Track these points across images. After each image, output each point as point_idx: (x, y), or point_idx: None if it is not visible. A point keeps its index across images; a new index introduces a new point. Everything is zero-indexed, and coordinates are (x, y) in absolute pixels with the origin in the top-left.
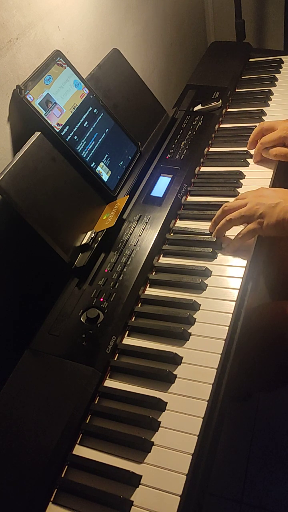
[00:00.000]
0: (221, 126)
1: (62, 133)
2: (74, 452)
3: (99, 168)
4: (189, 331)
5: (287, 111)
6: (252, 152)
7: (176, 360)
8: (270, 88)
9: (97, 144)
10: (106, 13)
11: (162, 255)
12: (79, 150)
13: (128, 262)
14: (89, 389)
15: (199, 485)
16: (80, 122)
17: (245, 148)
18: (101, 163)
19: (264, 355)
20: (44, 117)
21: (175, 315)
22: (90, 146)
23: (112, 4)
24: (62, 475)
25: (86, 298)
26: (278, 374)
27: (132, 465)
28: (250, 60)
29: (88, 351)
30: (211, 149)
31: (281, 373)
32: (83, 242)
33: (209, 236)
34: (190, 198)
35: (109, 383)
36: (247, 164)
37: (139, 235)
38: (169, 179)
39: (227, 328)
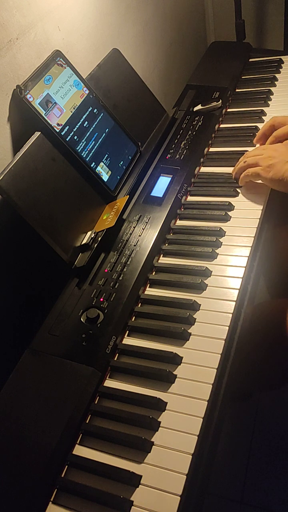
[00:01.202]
0: (221, 126)
1: (62, 133)
2: (74, 452)
3: (99, 168)
4: (189, 331)
5: (287, 111)
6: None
7: (176, 360)
8: (270, 88)
9: (97, 144)
10: (106, 13)
11: (162, 255)
12: (79, 150)
13: (128, 262)
14: (89, 389)
15: (199, 485)
16: (80, 122)
17: (245, 148)
18: (101, 163)
19: (264, 354)
20: (44, 117)
21: (175, 315)
22: (90, 146)
23: (112, 4)
24: (62, 475)
25: (86, 298)
26: (278, 373)
27: (132, 465)
28: (250, 60)
29: (88, 351)
30: (211, 149)
31: (281, 371)
32: (83, 242)
33: (209, 236)
34: (190, 198)
35: (109, 383)
36: None
37: (139, 235)
38: (169, 179)
39: (227, 328)
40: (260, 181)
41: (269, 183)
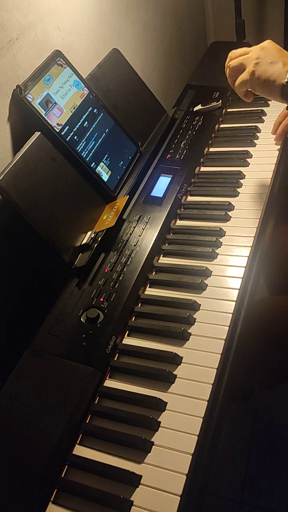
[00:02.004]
0: (221, 126)
1: (62, 133)
2: (74, 452)
3: (99, 168)
4: (189, 331)
5: None
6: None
7: (176, 360)
8: None
9: (97, 144)
10: (106, 13)
11: (162, 255)
12: (79, 150)
13: (128, 262)
14: (89, 389)
15: (199, 485)
16: (80, 122)
17: (245, 148)
18: (101, 163)
19: (264, 350)
20: (44, 117)
21: (175, 315)
22: (90, 146)
23: (112, 4)
24: (62, 475)
25: (86, 298)
26: (279, 370)
27: (132, 465)
28: None
29: (88, 351)
30: (211, 149)
31: (281, 368)
32: (83, 242)
33: (209, 236)
34: (190, 198)
35: (109, 383)
36: (247, 164)
37: (139, 235)
38: (169, 179)
39: (227, 328)
40: (262, 177)
41: (254, 87)
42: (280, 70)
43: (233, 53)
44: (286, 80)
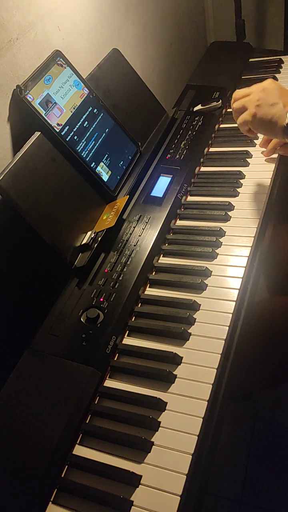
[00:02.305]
0: (221, 126)
1: (62, 133)
2: (74, 452)
3: (99, 168)
4: (189, 331)
5: None
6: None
7: (176, 360)
8: None
9: (97, 144)
10: (106, 13)
11: (162, 255)
12: (79, 150)
13: (128, 262)
14: (89, 389)
15: (199, 485)
16: (80, 122)
17: (245, 148)
18: (101, 163)
19: (264, 350)
20: (44, 117)
21: (175, 315)
22: (90, 146)
23: (112, 4)
24: (62, 475)
25: (86, 298)
26: (279, 370)
27: (132, 465)
28: (250, 60)
29: (88, 351)
30: (211, 149)
31: (281, 368)
32: (83, 242)
33: (209, 236)
34: (190, 198)
35: (109, 383)
36: (247, 164)
37: (139, 235)
38: (169, 179)
39: (227, 328)
40: (262, 177)
41: (256, 128)
42: (281, 112)
43: (237, 93)
44: (287, 122)
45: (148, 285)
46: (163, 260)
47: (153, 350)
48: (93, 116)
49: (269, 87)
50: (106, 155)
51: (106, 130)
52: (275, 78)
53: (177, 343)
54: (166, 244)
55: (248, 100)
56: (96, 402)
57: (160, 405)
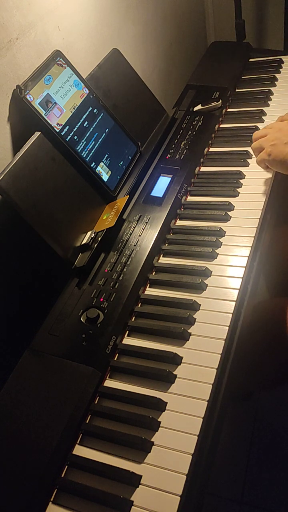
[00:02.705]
0: (221, 126)
1: (62, 133)
2: (74, 452)
3: (99, 168)
4: (189, 331)
5: (287, 111)
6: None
7: (176, 360)
8: (270, 88)
9: (97, 144)
10: (106, 13)
11: (162, 255)
12: (79, 150)
13: (128, 262)
14: (89, 389)
15: (199, 485)
16: (80, 122)
17: (245, 148)
18: (101, 163)
19: (264, 352)
20: (44, 117)
21: (175, 315)
22: (90, 146)
23: (112, 4)
24: (62, 475)
25: (86, 298)
26: (278, 371)
27: (132, 465)
28: (250, 60)
29: (88, 351)
30: (211, 149)
31: (281, 370)
32: (83, 242)
33: (209, 236)
34: (190, 198)
35: (109, 383)
36: (247, 164)
37: (139, 235)
38: (169, 179)
39: (227, 328)
40: (262, 177)
41: (273, 166)
42: None
43: (255, 134)
44: None
45: (148, 285)
46: (163, 260)
47: (153, 350)
48: (93, 116)
49: (285, 128)
50: (106, 155)
51: (106, 130)
52: (275, 78)
53: (177, 343)
54: (166, 244)
55: (265, 140)
56: (96, 402)
57: (160, 405)
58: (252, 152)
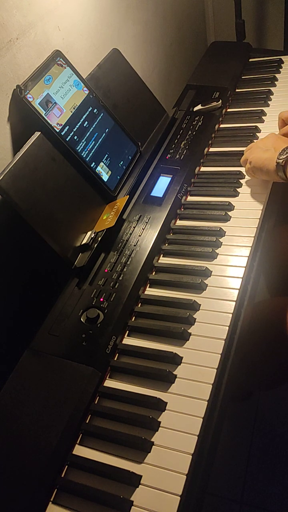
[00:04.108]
0: (221, 126)
1: (62, 133)
2: (74, 452)
3: (99, 168)
4: (189, 331)
5: None
6: None
7: (176, 360)
8: (270, 88)
9: (97, 144)
10: (106, 13)
11: (162, 255)
12: (79, 150)
13: (128, 262)
14: (89, 389)
15: (199, 485)
16: (80, 122)
17: (245, 148)
18: (101, 163)
19: (264, 352)
20: (44, 117)
21: (175, 315)
22: (90, 146)
23: (112, 4)
24: (62, 475)
25: (86, 298)
26: (278, 371)
27: (132, 465)
28: (250, 60)
29: (88, 351)
30: (211, 149)
31: (281, 370)
32: (83, 242)
33: (209, 236)
34: (190, 198)
35: (109, 383)
36: None
37: (139, 235)
38: (169, 179)
39: (227, 328)
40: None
41: (254, 173)
42: (272, 155)
43: (245, 149)
44: (276, 162)
45: (148, 285)
46: (163, 260)
47: (153, 350)
48: (93, 116)
49: (266, 138)
50: (106, 155)
51: (106, 130)
52: (275, 78)
53: (177, 343)
54: (166, 244)
55: (247, 150)
56: (96, 402)
57: (160, 405)
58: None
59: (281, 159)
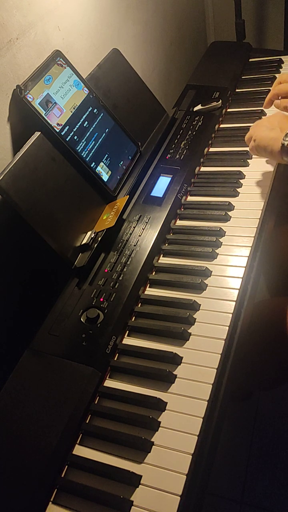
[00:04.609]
0: (221, 126)
1: (62, 133)
2: (74, 452)
3: (99, 168)
4: (189, 331)
5: None
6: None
7: (176, 360)
8: (270, 88)
9: (97, 144)
10: (106, 13)
11: (162, 255)
12: (79, 150)
13: (128, 262)
14: (89, 389)
15: (199, 485)
16: (80, 122)
17: (245, 148)
18: (101, 163)
19: (264, 352)
20: (44, 117)
21: (175, 315)
22: (90, 146)
23: (112, 4)
24: (62, 475)
25: (86, 298)
26: (278, 371)
27: (132, 465)
28: (250, 60)
29: (88, 351)
30: (211, 149)
31: (281, 370)
32: (83, 242)
33: (209, 236)
34: (190, 198)
35: (109, 383)
36: (247, 164)
37: (139, 235)
38: (169, 179)
39: (227, 328)
40: (262, 177)
41: (258, 152)
42: (277, 135)
43: (251, 127)
44: (281, 143)
45: (148, 285)
46: (163, 260)
47: (153, 350)
48: (93, 116)
49: (273, 116)
50: (106, 155)
51: (106, 130)
52: (275, 78)
53: (177, 343)
54: (166, 244)
55: (252, 127)
56: (96, 402)
57: (160, 405)
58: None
59: (286, 140)
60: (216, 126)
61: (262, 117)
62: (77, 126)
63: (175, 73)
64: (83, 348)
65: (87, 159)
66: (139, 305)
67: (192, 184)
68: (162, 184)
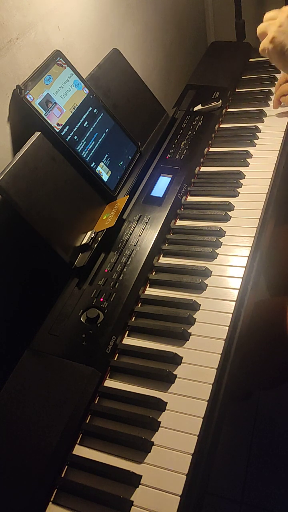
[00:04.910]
0: (221, 126)
1: (62, 133)
2: (74, 452)
3: (99, 168)
4: (189, 331)
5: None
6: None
7: (176, 360)
8: (270, 88)
9: (97, 144)
10: (106, 13)
11: (162, 255)
12: (79, 150)
13: (128, 262)
14: (89, 389)
15: (199, 485)
16: (80, 122)
17: (245, 148)
18: (101, 163)
19: (264, 352)
20: (44, 117)
21: (175, 315)
22: (90, 146)
23: (112, 4)
24: (62, 475)
25: (86, 298)
26: (278, 371)
27: (132, 465)
28: (250, 60)
29: (88, 351)
30: (211, 149)
31: (281, 370)
32: (83, 242)
33: (209, 236)
34: (190, 198)
35: (109, 383)
36: (247, 164)
37: (139, 235)
38: (169, 179)
39: (227, 328)
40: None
41: (271, 57)
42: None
43: (266, 15)
44: None
45: (148, 285)
46: (163, 260)
47: (153, 350)
48: (93, 116)
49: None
50: (106, 155)
51: (106, 130)
52: (275, 78)
53: (177, 343)
54: (166, 244)
55: (272, 24)
56: (96, 402)
57: (160, 405)
58: (260, 131)
59: None
60: (216, 126)
61: (255, 141)
62: (77, 126)
63: (175, 73)
64: (83, 348)
65: (87, 159)
66: (139, 305)
67: (192, 184)
68: (162, 184)
